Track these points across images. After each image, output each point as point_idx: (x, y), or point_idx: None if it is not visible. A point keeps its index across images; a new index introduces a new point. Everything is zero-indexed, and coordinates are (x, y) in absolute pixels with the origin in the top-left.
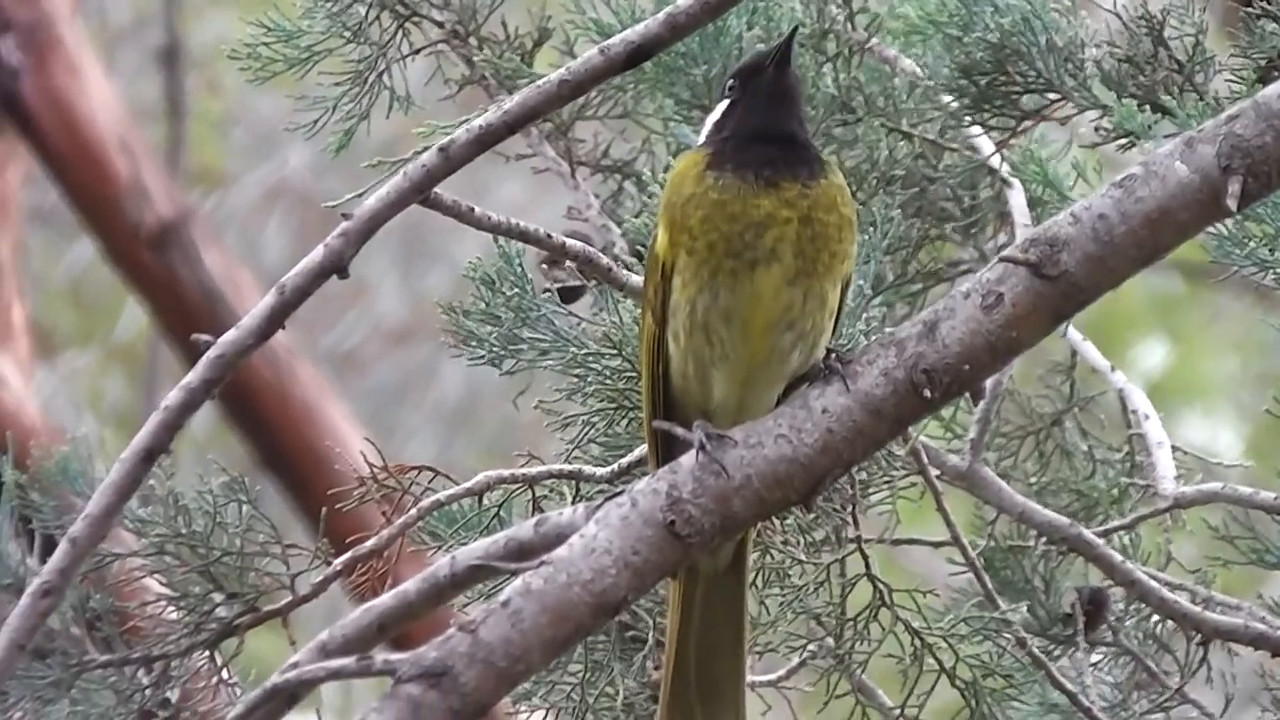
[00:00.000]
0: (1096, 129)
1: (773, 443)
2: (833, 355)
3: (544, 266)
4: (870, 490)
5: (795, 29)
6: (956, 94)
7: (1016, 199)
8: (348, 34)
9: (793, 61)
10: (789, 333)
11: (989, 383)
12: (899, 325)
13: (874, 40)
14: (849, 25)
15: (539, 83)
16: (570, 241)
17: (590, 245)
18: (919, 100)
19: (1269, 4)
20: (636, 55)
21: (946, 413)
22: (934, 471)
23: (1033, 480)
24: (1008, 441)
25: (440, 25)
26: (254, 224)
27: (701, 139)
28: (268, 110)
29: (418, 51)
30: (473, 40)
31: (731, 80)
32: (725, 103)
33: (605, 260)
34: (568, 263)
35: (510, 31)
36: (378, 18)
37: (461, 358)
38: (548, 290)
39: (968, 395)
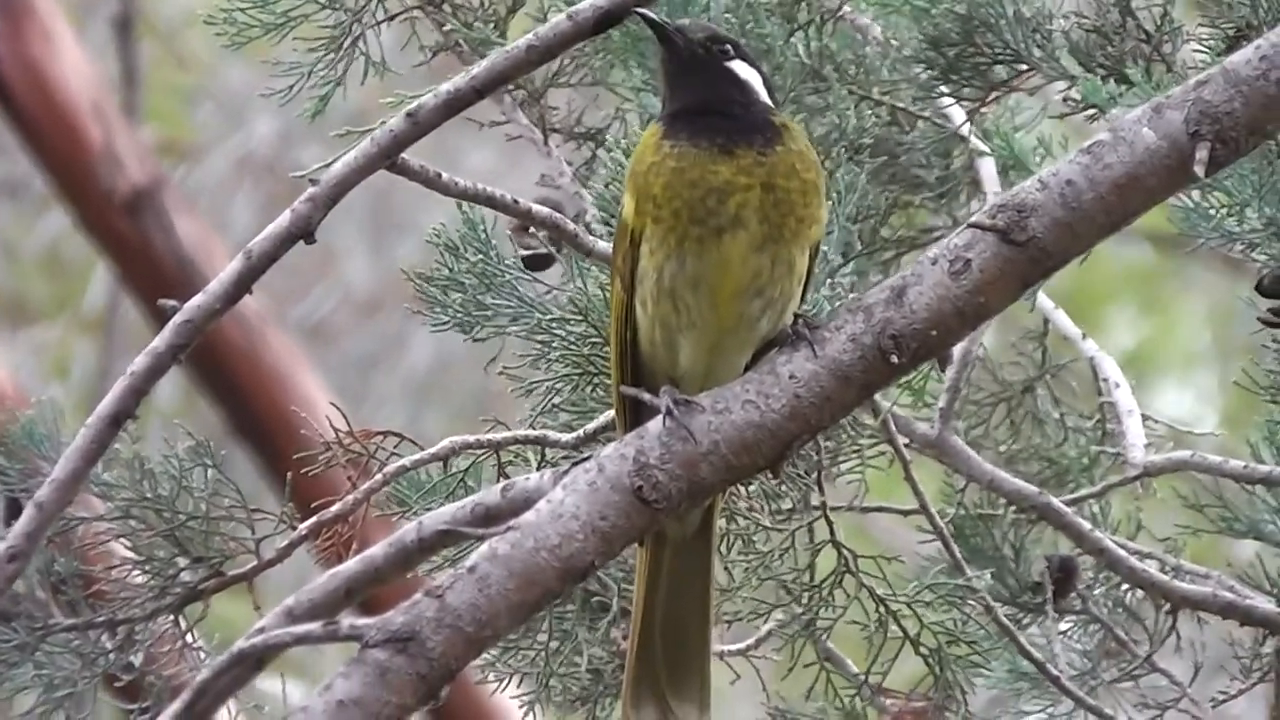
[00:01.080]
0: (1065, 100)
1: (740, 408)
2: (800, 321)
3: (512, 233)
4: (839, 459)
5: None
6: (925, 65)
7: (987, 168)
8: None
9: (676, 35)
10: (757, 299)
11: (959, 351)
12: (869, 292)
13: (846, 7)
14: None
15: (506, 48)
16: (536, 207)
17: (560, 212)
18: (890, 69)
19: None
20: (605, 20)
21: (917, 381)
22: (903, 440)
23: (1003, 448)
24: (979, 409)
25: None
26: (222, 196)
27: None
28: (236, 82)
29: (392, 18)
30: (446, 7)
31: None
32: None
33: (571, 225)
34: (537, 231)
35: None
36: None
37: (429, 326)
38: (524, 256)
39: (936, 361)
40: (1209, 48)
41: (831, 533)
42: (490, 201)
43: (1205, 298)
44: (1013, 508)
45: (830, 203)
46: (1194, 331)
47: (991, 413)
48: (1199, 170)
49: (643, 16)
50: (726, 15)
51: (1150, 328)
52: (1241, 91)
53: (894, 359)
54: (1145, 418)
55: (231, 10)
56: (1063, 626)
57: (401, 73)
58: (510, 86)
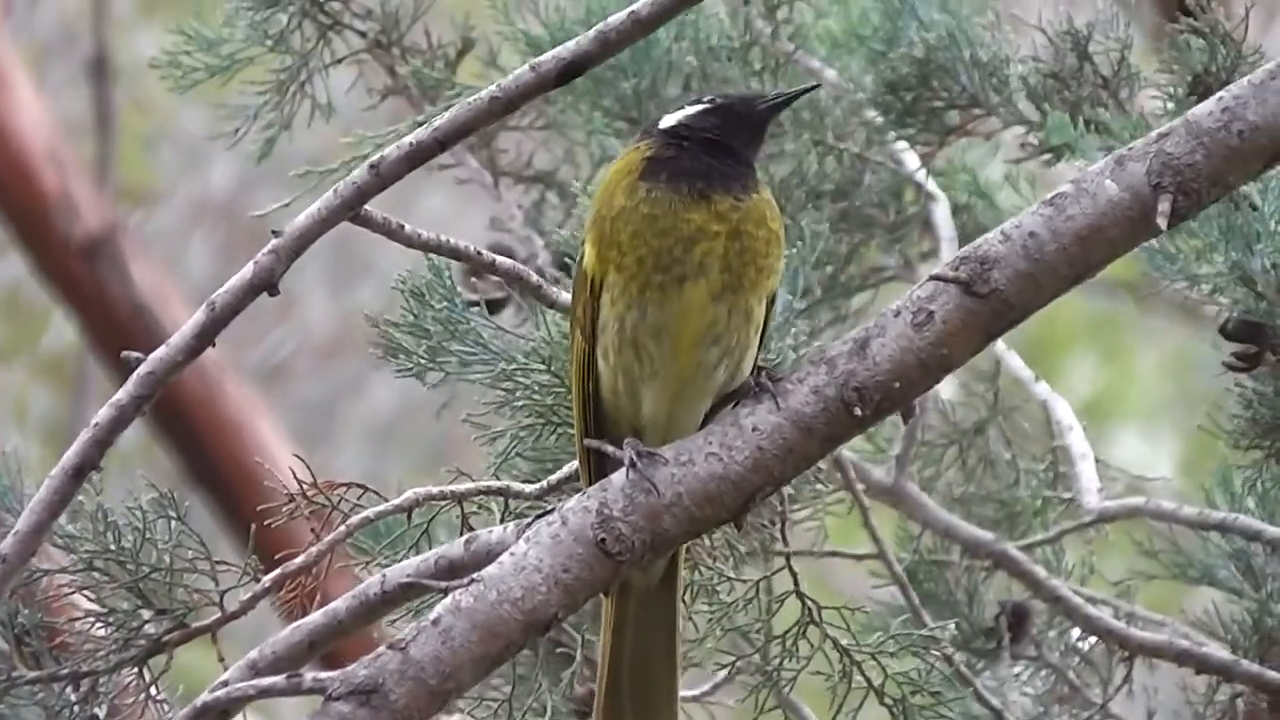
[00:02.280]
0: (1022, 145)
1: (704, 460)
2: (763, 373)
3: (466, 276)
4: (798, 506)
5: (814, 88)
6: (881, 109)
7: (941, 212)
8: (269, 42)
9: (779, 113)
10: (714, 348)
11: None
12: (825, 336)
13: (799, 52)
14: (774, 37)
15: (470, 99)
16: (500, 259)
17: (513, 257)
18: (845, 113)
19: (1194, 20)
20: (568, 72)
21: (874, 429)
22: (860, 487)
23: (956, 490)
24: (930, 450)
25: (362, 35)
26: (179, 240)
27: (664, 124)
28: (193, 126)
29: (340, 61)
30: (395, 50)
31: (718, 97)
32: (700, 107)
33: (535, 277)
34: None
35: (433, 41)
36: (299, 26)
37: (389, 371)
38: (473, 302)
39: (900, 416)
40: (1167, 93)
41: (795, 583)
42: (454, 253)
43: (1164, 346)
44: (967, 554)
45: (794, 250)
46: (1153, 379)
47: (943, 454)
48: (1161, 222)
49: (797, 95)
50: (688, 59)
51: (1109, 375)
52: (1204, 143)
53: (857, 411)
54: (1099, 462)
55: (177, 54)
56: (1016, 671)
57: (350, 116)
58: None
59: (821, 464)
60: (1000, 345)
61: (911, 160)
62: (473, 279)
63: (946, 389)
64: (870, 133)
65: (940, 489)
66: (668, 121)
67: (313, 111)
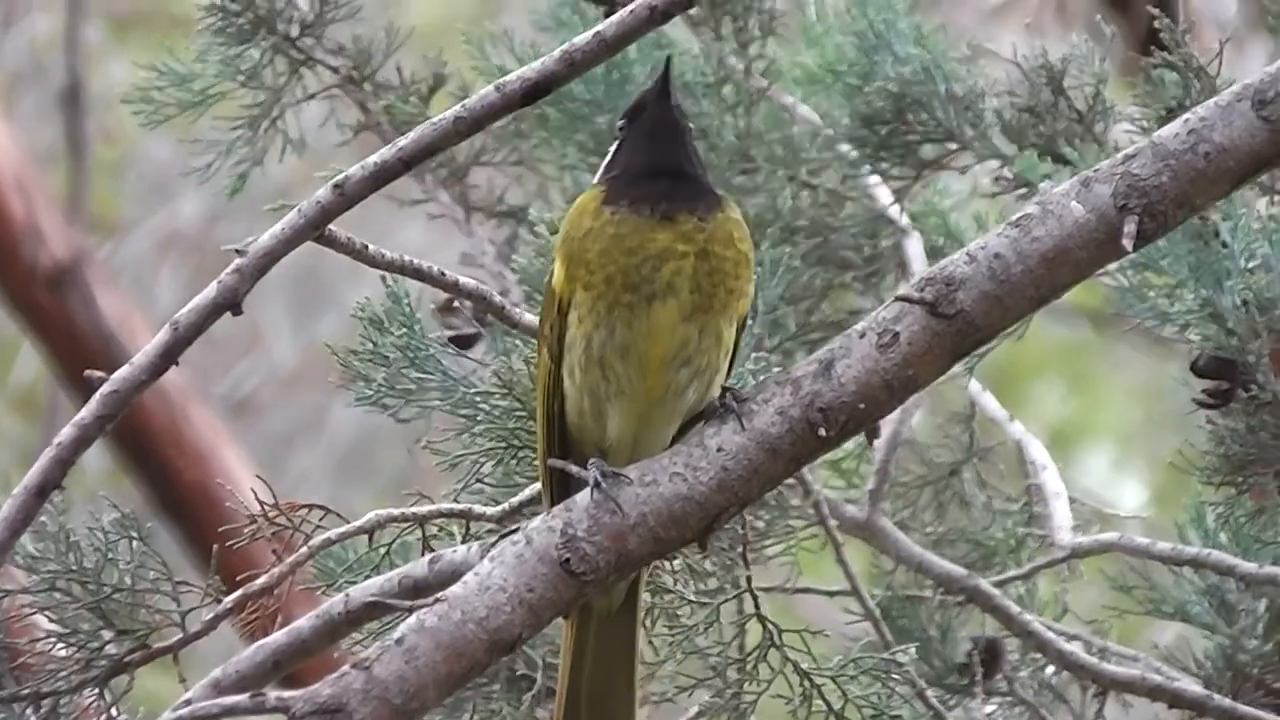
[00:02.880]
0: (996, 179)
1: (668, 481)
2: (728, 394)
3: (436, 313)
4: (770, 541)
5: (669, 58)
6: (856, 143)
7: (914, 248)
8: (241, 78)
9: (674, 93)
10: (684, 369)
11: (887, 433)
12: (797, 365)
13: (772, 87)
14: (747, 73)
15: (434, 119)
16: (464, 280)
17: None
18: (819, 149)
19: (1168, 54)
20: (533, 92)
21: (846, 463)
22: (833, 522)
23: (930, 530)
24: (906, 491)
25: (335, 70)
26: (148, 271)
27: (596, 179)
28: (163, 157)
29: (312, 96)
30: (367, 86)
31: (620, 121)
32: (615, 143)
33: (498, 298)
34: (462, 308)
35: (405, 77)
36: (271, 61)
37: (356, 404)
38: (450, 336)
39: (865, 435)
40: (1141, 127)
41: (756, 607)
42: (417, 274)
43: (1134, 375)
44: (940, 589)
45: (757, 275)
46: (1123, 409)
47: (919, 495)
48: (1127, 244)
49: (666, 70)
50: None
51: (1078, 404)
52: (1170, 165)
53: (822, 432)
54: (1072, 499)
55: (149, 89)
56: (988, 708)
57: (322, 151)
58: (432, 164)
59: (795, 500)
60: (975, 386)
61: (885, 196)
62: (446, 315)
63: (922, 429)
64: (845, 168)
65: (915, 528)
66: (599, 175)
67: (284, 147)
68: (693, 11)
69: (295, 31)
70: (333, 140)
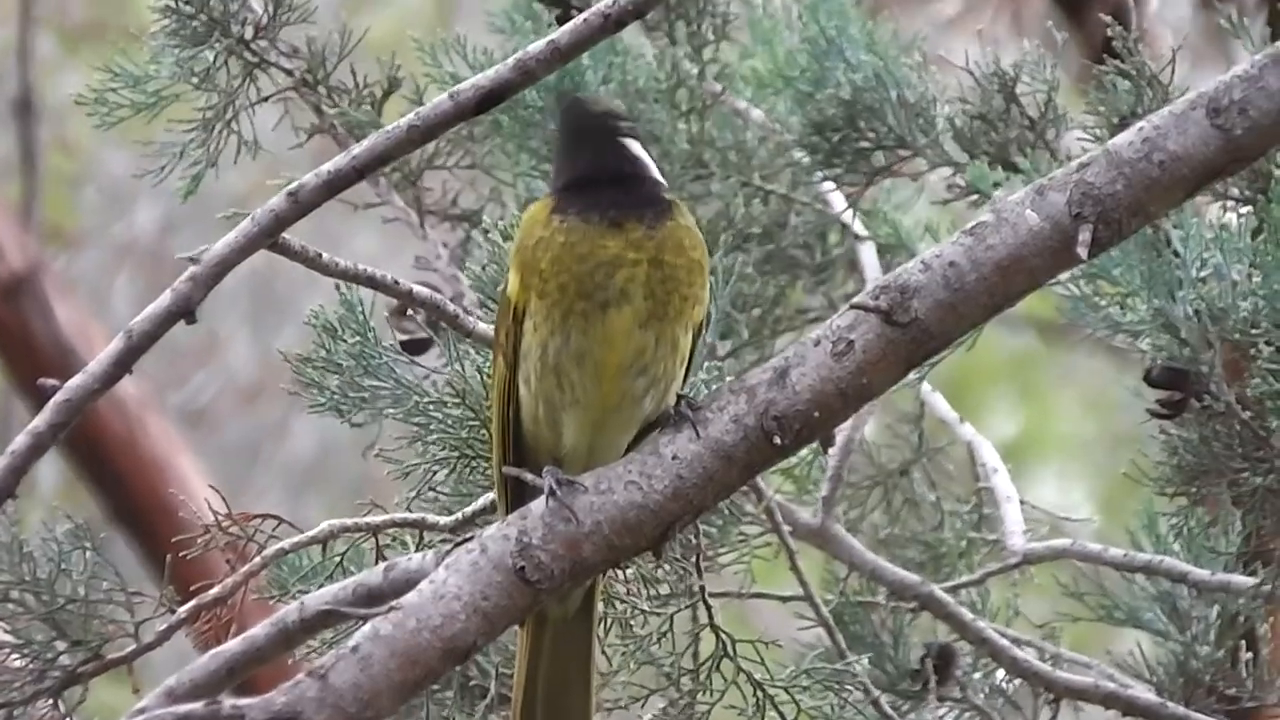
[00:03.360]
0: (949, 186)
1: (623, 489)
2: (683, 401)
3: (390, 318)
4: (724, 549)
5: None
6: (808, 150)
7: (867, 254)
8: (195, 80)
9: (586, 97)
10: (641, 377)
11: (841, 440)
12: (751, 372)
13: (725, 92)
14: (700, 78)
15: (387, 128)
16: (417, 288)
17: (437, 292)
18: (771, 154)
19: (1121, 61)
20: (486, 100)
21: (800, 470)
22: (787, 529)
23: (881, 532)
24: (855, 492)
25: (289, 73)
26: (103, 282)
27: (549, 187)
28: (118, 168)
29: (266, 99)
30: (321, 89)
31: (554, 132)
32: (555, 160)
33: (451, 306)
34: (415, 315)
35: (359, 81)
36: (225, 64)
37: (309, 410)
38: (403, 341)
39: (820, 443)
40: (1094, 135)
41: (710, 617)
42: (371, 282)
43: (1084, 384)
44: (893, 596)
45: (718, 291)
46: (1073, 417)
47: (868, 495)
48: (1081, 252)
49: (560, 90)
50: (616, 102)
51: (1030, 414)
52: (1124, 173)
53: (777, 440)
54: (1023, 503)
55: (103, 91)
56: (941, 713)
57: (277, 154)
58: (386, 169)
59: (750, 507)
60: (925, 386)
61: (838, 202)
62: (399, 320)
63: (871, 430)
64: (797, 173)
65: (865, 530)
66: (551, 186)
67: (239, 149)
68: (647, 16)
69: (249, 34)
70: (287, 144)
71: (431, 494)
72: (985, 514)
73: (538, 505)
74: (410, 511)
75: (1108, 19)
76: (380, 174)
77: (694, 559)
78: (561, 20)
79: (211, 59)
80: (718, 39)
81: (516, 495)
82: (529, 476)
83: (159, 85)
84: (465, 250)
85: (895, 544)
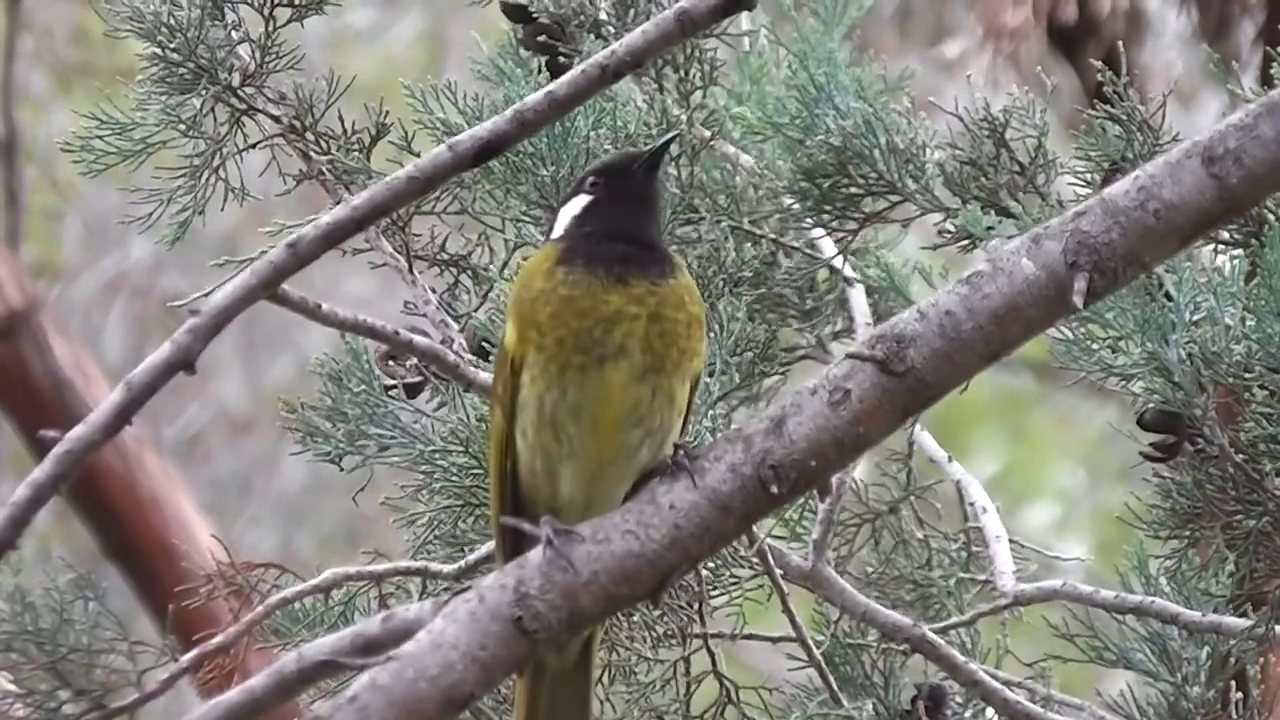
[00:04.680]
0: (940, 232)
1: (620, 539)
2: (680, 451)
3: (379, 361)
4: (716, 591)
5: (673, 137)
6: (799, 195)
7: (858, 299)
8: (182, 126)
9: (661, 168)
10: (637, 429)
11: (833, 481)
12: (738, 416)
13: (715, 139)
14: (689, 124)
15: (387, 179)
16: (418, 339)
17: (439, 344)
18: (760, 200)
19: (1111, 106)
20: (485, 152)
21: (791, 512)
22: (778, 572)
23: (870, 570)
24: (844, 529)
25: (276, 120)
26: (94, 318)
27: (557, 232)
28: (108, 205)
29: (253, 146)
30: (309, 135)
31: (594, 178)
32: (585, 199)
33: (452, 356)
34: (403, 358)
35: (347, 127)
36: (212, 110)
37: (315, 459)
38: (390, 386)
39: (816, 492)
40: (1085, 180)
41: (713, 663)
42: (371, 332)
43: (1077, 428)
44: (884, 637)
45: (711, 335)
46: (1065, 462)
47: (856, 534)
48: (1077, 301)
49: (665, 145)
50: (606, 147)
51: (1018, 453)
52: (1119, 222)
53: (773, 489)
54: (1013, 543)
55: (89, 138)
56: None
57: (263, 199)
58: None
59: (741, 549)
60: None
61: (828, 246)
62: (389, 363)
63: (860, 468)
64: (785, 219)
65: (854, 569)
66: (564, 219)
67: (226, 195)
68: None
69: (236, 81)
70: (275, 189)
71: (435, 541)
72: (975, 553)
73: (535, 555)
74: (413, 559)
75: (1098, 64)
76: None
77: (696, 605)
78: (551, 67)
79: (199, 106)
80: (705, 85)
81: (515, 545)
82: (526, 526)
83: (145, 132)
84: (454, 295)
85: (884, 583)
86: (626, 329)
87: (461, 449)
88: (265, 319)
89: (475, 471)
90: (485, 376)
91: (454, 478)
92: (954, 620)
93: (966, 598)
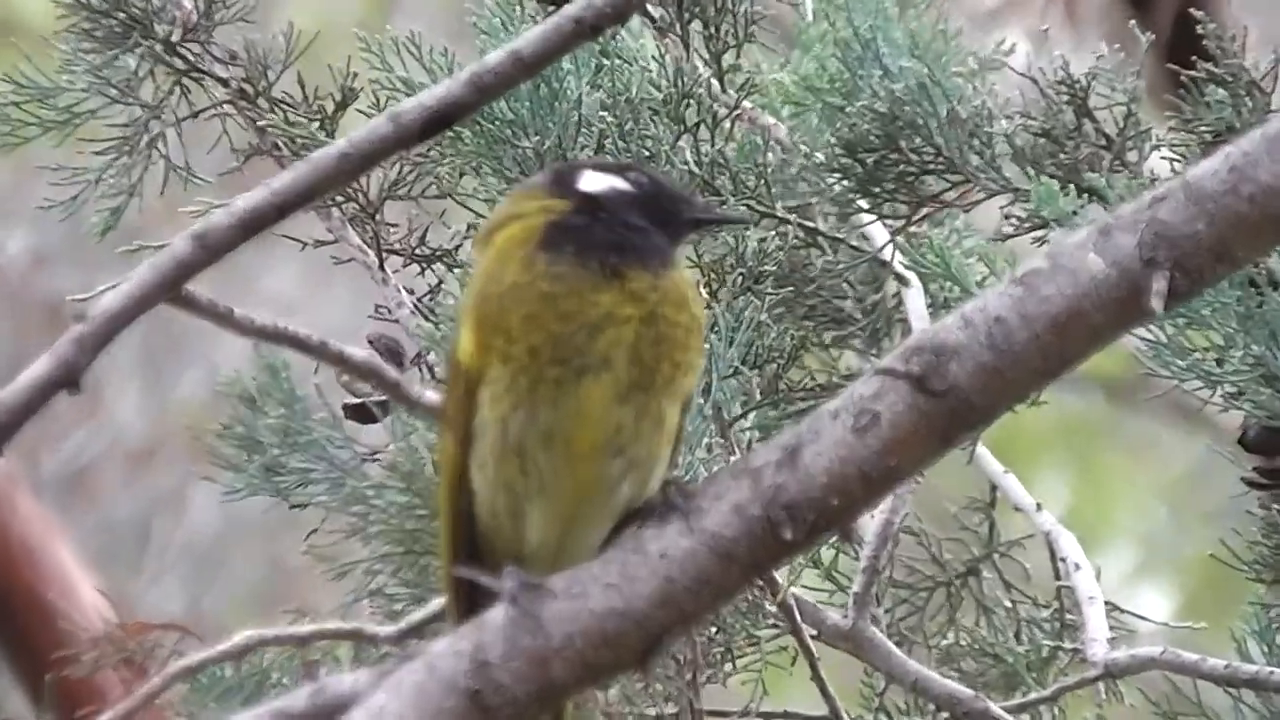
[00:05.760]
0: (1006, 216)
1: (600, 593)
2: (672, 488)
3: (341, 378)
4: (733, 654)
5: (739, 220)
6: (840, 173)
7: (914, 300)
8: (114, 92)
9: (704, 233)
10: (618, 459)
11: (877, 525)
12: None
13: (746, 103)
14: (711, 88)
15: (313, 156)
16: (351, 350)
17: (398, 350)
18: (794, 179)
19: (1215, 67)
20: (435, 123)
21: (826, 555)
22: (810, 631)
23: (942, 641)
24: (913, 594)
25: (225, 83)
26: None
27: (584, 185)
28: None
29: (197, 114)
30: (263, 101)
31: (641, 176)
32: (625, 185)
33: (393, 373)
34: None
35: (309, 93)
36: (151, 73)
37: (225, 498)
38: (353, 405)
39: (839, 538)
40: (1182, 155)
41: None
42: (295, 343)
43: (1157, 456)
44: (943, 714)
45: (719, 342)
46: (1140, 496)
47: (929, 599)
48: (1155, 304)
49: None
50: (602, 114)
51: (1086, 490)
52: (1206, 210)
53: (786, 534)
54: (1110, 606)
55: (5, 105)
56: None
57: (210, 180)
58: (339, 198)
59: (769, 605)
60: (996, 465)
61: (882, 236)
62: (352, 381)
63: (931, 515)
64: (825, 203)
65: (918, 641)
66: (589, 184)
67: (166, 175)
68: (657, 15)
69: (176, 35)
70: (219, 169)
71: (372, 597)
72: (1066, 620)
73: (496, 615)
74: (344, 619)
75: (1199, 15)
76: (332, 204)
77: (689, 677)
78: None
79: (133, 66)
80: (740, 43)
81: (471, 602)
82: (485, 579)
83: (72, 99)
84: (435, 298)
85: (955, 656)
86: (613, 335)
87: (401, 485)
88: (169, 326)
89: (420, 512)
90: (433, 396)
91: (393, 520)
92: (1033, 696)
93: (1052, 672)
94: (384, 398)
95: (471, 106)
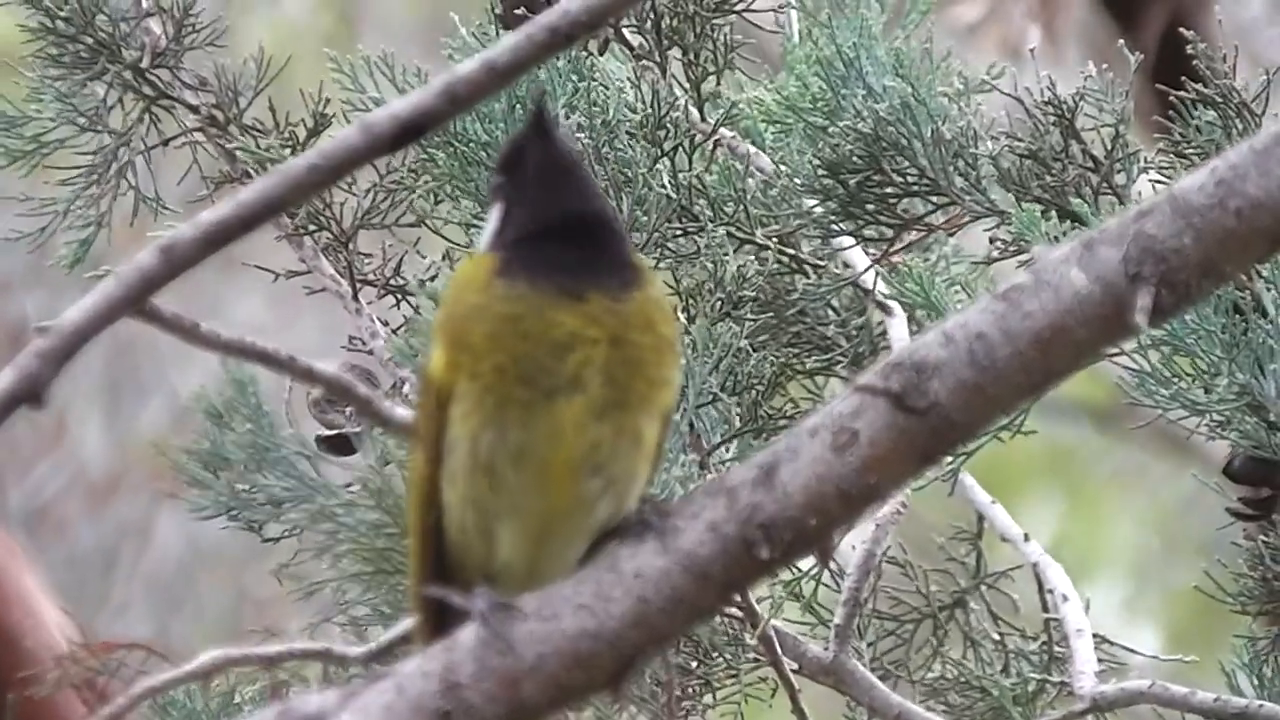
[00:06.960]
0: (991, 240)
1: (572, 614)
2: (648, 506)
3: (312, 407)
4: (713, 686)
5: (542, 93)
6: (823, 195)
7: (896, 328)
8: (83, 120)
9: (554, 127)
10: (596, 478)
11: (858, 556)
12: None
13: (724, 130)
14: (689, 114)
15: (281, 166)
16: (319, 366)
17: (374, 383)
18: (775, 202)
19: (1204, 87)
20: (406, 133)
21: (808, 587)
22: (791, 665)
23: (926, 674)
24: (900, 626)
25: (195, 110)
26: None
27: (484, 246)
28: None
29: (167, 141)
30: (234, 128)
31: (496, 180)
32: (498, 208)
33: (363, 389)
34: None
35: (280, 119)
36: (120, 100)
37: (192, 516)
38: (327, 436)
39: (817, 556)
40: (1169, 178)
41: None
42: (262, 358)
43: (1146, 486)
44: None
45: (694, 362)
46: (1129, 526)
47: (914, 631)
48: (1140, 320)
49: (539, 98)
50: (579, 135)
51: (1074, 519)
52: (1192, 224)
53: (763, 553)
54: (1099, 639)
55: None
56: None
57: (179, 210)
58: (312, 227)
59: (749, 638)
60: (983, 495)
61: (860, 260)
62: (322, 410)
63: (916, 547)
64: (806, 226)
65: (902, 676)
66: (482, 245)
67: (136, 204)
68: (635, 42)
69: (146, 61)
70: (189, 197)
71: (338, 615)
72: (1055, 653)
73: (467, 635)
74: (313, 639)
75: (1189, 34)
76: (305, 233)
77: (664, 701)
78: None
79: (102, 94)
80: (719, 70)
81: (441, 622)
82: (455, 599)
83: (40, 128)
84: (410, 329)
85: (940, 690)
86: (583, 356)
87: (371, 503)
88: (134, 354)
89: (390, 531)
90: (407, 413)
91: (363, 539)
92: None
93: (1039, 705)
94: (359, 429)
95: (444, 116)
